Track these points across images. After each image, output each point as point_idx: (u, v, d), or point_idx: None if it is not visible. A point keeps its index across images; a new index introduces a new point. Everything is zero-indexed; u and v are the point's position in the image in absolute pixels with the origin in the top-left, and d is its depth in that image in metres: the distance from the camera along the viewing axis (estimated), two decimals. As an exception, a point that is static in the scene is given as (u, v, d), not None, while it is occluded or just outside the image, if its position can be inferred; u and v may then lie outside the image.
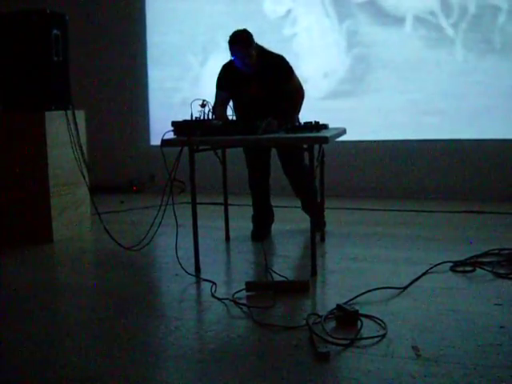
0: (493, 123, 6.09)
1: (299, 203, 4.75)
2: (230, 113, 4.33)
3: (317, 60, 6.56)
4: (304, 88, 4.44)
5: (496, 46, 6.04)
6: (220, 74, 4.49)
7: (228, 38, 4.29)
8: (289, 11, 6.68)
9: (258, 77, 4.33)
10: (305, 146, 3.73)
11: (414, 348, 2.53)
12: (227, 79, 4.43)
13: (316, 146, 3.72)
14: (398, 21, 6.32)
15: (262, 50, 4.37)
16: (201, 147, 3.92)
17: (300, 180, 4.51)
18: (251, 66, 4.29)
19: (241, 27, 4.35)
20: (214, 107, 4.28)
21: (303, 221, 4.56)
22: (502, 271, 3.56)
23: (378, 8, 6.38)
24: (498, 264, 3.68)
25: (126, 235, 4.69)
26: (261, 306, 3.11)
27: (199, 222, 3.85)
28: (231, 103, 4.48)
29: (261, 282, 3.53)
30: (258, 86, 4.32)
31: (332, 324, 2.83)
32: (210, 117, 3.83)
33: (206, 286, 3.49)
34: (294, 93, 4.37)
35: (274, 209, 4.80)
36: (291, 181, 4.57)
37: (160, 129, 3.90)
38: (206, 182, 5.65)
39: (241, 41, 4.25)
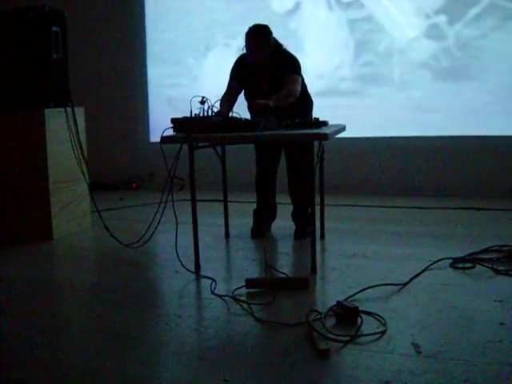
0: (492, 120, 6.09)
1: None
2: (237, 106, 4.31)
3: (315, 58, 6.56)
4: (297, 94, 4.19)
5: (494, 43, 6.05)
6: (235, 64, 4.47)
7: (246, 29, 4.27)
8: (288, 7, 6.68)
9: (269, 74, 4.31)
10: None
11: (414, 344, 2.53)
12: (240, 71, 4.40)
13: (316, 143, 3.72)
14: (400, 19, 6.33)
15: (279, 49, 4.33)
16: (200, 144, 3.92)
17: (298, 182, 4.48)
18: (261, 63, 4.26)
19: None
20: (223, 96, 4.27)
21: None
22: (501, 268, 3.56)
23: (381, 5, 6.39)
24: (497, 261, 3.68)
25: (125, 232, 4.68)
26: (261, 302, 3.11)
27: (199, 219, 3.84)
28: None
29: (261, 278, 3.52)
30: (269, 83, 4.29)
31: (332, 321, 2.83)
32: (210, 113, 3.82)
33: (205, 282, 3.49)
34: (287, 85, 4.19)
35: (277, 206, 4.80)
36: (290, 181, 4.55)
37: (159, 126, 3.89)
38: (206, 179, 5.65)
39: (257, 37, 4.22)
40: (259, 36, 4.23)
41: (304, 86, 4.41)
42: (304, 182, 4.37)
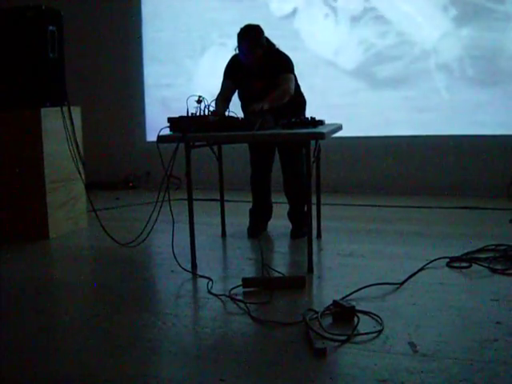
0: (490, 119, 6.09)
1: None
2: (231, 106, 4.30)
3: (313, 57, 6.57)
4: (291, 93, 4.21)
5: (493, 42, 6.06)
6: (228, 63, 4.45)
7: (238, 30, 4.26)
8: (286, 6, 6.68)
9: (262, 73, 4.30)
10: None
11: (411, 344, 2.53)
12: (234, 70, 4.39)
13: (312, 142, 3.72)
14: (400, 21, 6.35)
15: (271, 48, 4.32)
16: (197, 143, 3.92)
17: (294, 181, 4.48)
18: (253, 63, 4.26)
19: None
20: (217, 96, 4.26)
21: (300, 217, 4.55)
22: (498, 267, 3.57)
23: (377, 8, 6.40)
24: (494, 260, 3.68)
25: (122, 232, 4.68)
26: (257, 302, 3.11)
27: (195, 219, 3.84)
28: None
29: (257, 278, 3.52)
30: (262, 82, 4.28)
31: (329, 320, 2.83)
32: (206, 113, 3.82)
33: (202, 282, 3.48)
34: (281, 84, 4.19)
35: (273, 205, 4.79)
36: (285, 180, 4.55)
37: (156, 125, 3.89)
38: (203, 179, 5.65)
39: (248, 37, 4.21)
40: (250, 36, 4.23)
41: (297, 86, 4.41)
42: (299, 181, 4.37)
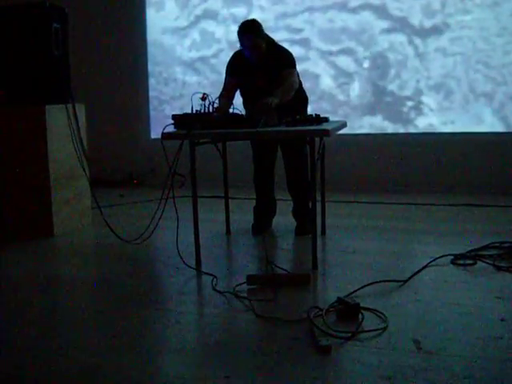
0: (492, 117, 6.09)
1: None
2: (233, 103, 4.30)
3: (315, 55, 6.57)
4: (297, 87, 4.23)
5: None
6: (230, 60, 4.46)
7: (237, 28, 4.26)
8: (288, 10, 6.68)
9: (264, 69, 4.30)
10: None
11: (415, 341, 2.53)
12: (236, 67, 4.40)
13: (317, 140, 3.72)
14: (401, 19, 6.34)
15: (271, 43, 4.33)
16: (201, 140, 3.92)
17: (297, 178, 4.49)
18: (259, 56, 4.26)
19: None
20: (220, 93, 4.27)
21: (304, 214, 4.55)
22: (502, 264, 3.56)
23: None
24: (498, 257, 3.68)
25: (126, 229, 4.69)
26: (262, 299, 3.11)
27: (200, 216, 3.84)
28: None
29: (262, 275, 3.52)
30: (265, 78, 4.28)
31: (333, 317, 2.83)
32: (211, 110, 3.82)
33: (206, 279, 3.49)
34: (286, 78, 4.18)
35: (277, 202, 4.79)
36: (288, 176, 4.55)
37: (160, 122, 3.89)
38: (207, 176, 5.64)
39: (249, 30, 4.22)
40: (252, 30, 4.23)
41: (299, 83, 4.40)
42: (303, 178, 4.37)
